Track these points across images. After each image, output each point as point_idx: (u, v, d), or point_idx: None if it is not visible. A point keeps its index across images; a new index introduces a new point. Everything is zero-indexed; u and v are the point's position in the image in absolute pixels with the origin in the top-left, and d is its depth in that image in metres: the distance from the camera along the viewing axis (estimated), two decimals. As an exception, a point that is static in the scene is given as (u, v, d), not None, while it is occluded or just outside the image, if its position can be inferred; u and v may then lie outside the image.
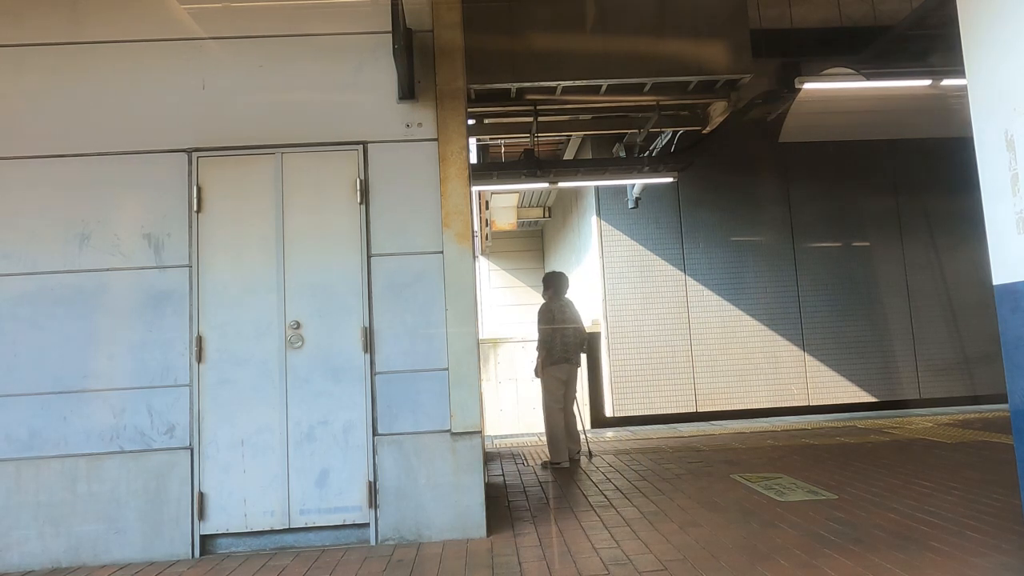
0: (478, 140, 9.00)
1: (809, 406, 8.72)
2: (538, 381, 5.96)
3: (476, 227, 9.20)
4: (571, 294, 5.98)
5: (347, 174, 3.76)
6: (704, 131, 7.55)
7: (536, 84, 6.28)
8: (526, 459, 5.81)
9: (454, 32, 3.90)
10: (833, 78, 5.93)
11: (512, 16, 6.20)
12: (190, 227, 3.68)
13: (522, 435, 7.49)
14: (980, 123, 2.92)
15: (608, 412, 8.61)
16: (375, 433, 3.59)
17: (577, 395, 5.77)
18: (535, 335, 5.86)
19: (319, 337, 3.63)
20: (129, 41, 3.79)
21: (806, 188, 9.03)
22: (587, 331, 5.93)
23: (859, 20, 7.88)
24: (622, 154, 8.67)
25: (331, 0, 3.87)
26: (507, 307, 16.07)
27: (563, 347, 5.63)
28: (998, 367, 8.84)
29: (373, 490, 3.55)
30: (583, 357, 6.15)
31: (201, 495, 3.51)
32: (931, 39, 6.48)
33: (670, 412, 8.58)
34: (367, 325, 3.65)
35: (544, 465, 5.52)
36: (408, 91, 3.73)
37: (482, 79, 6.17)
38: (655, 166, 7.62)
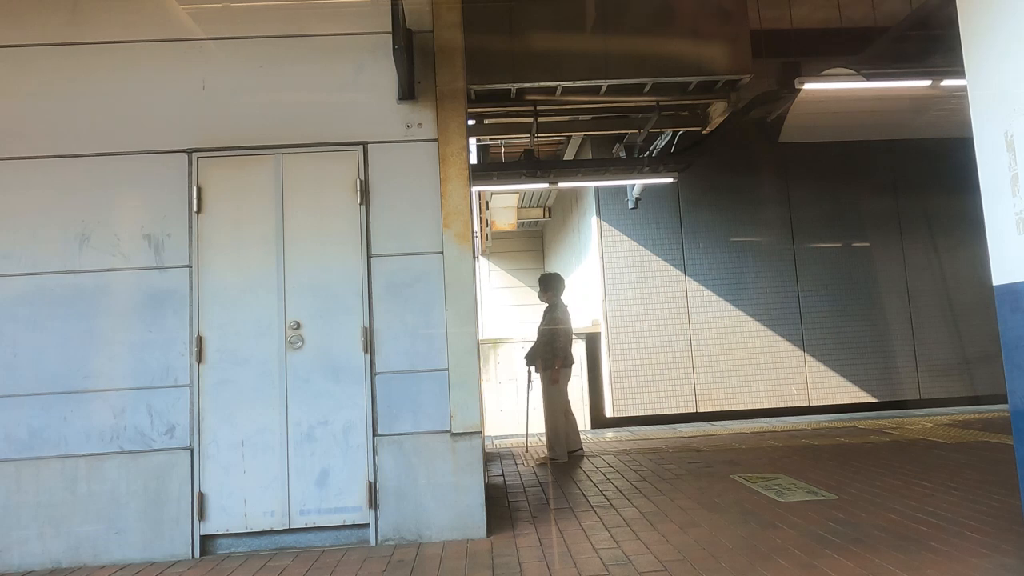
0: (478, 140, 8.99)
1: (809, 406, 8.72)
2: (536, 380, 5.95)
3: (476, 227, 9.20)
4: (571, 295, 5.99)
5: (347, 174, 3.76)
6: (704, 131, 7.55)
7: (536, 84, 6.28)
8: (527, 459, 5.80)
9: (454, 32, 3.90)
10: (833, 78, 5.93)
11: (512, 16, 6.19)
12: (190, 227, 3.68)
13: (521, 435, 7.48)
14: (980, 123, 2.92)
15: (608, 412, 8.61)
16: (375, 433, 3.59)
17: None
18: (542, 336, 5.83)
19: (319, 337, 3.63)
20: (129, 41, 3.79)
21: (806, 188, 9.02)
22: (585, 331, 5.93)
23: (859, 20, 7.88)
24: (622, 154, 8.67)
25: (331, 0, 3.87)
26: (507, 307, 16.06)
27: (569, 349, 5.73)
28: (998, 367, 8.83)
29: (373, 490, 3.54)
30: (578, 357, 6.16)
31: (201, 495, 3.51)
32: (931, 40, 6.49)
33: (670, 412, 8.58)
34: (367, 325, 3.65)
35: (542, 463, 5.52)
36: (408, 91, 3.73)
37: (482, 79, 6.17)
38: (655, 166, 7.62)
